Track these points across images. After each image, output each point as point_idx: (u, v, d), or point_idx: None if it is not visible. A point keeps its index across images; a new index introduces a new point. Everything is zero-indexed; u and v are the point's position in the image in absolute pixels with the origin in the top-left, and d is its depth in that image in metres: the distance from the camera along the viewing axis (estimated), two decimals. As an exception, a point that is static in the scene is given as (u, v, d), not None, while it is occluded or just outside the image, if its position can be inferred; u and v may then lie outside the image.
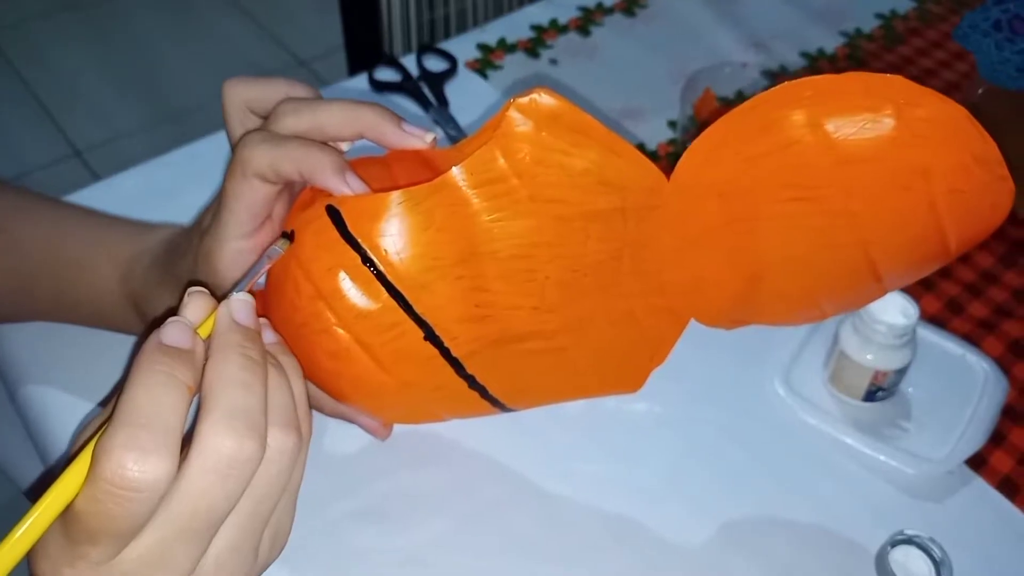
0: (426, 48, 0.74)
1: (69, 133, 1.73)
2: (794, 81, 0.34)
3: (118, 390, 0.29)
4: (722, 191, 0.36)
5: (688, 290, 0.39)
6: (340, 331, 0.35)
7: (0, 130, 1.72)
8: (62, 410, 0.49)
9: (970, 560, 0.45)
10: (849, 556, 0.45)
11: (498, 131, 0.34)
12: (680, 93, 0.66)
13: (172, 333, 0.29)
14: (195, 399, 0.29)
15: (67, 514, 0.27)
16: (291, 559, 0.42)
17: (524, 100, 0.34)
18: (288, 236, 0.36)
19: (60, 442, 0.48)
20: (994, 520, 0.47)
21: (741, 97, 0.66)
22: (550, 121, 0.34)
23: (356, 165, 0.36)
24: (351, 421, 0.44)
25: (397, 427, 0.47)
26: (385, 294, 0.34)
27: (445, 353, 0.36)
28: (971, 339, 0.55)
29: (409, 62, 0.73)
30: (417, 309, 0.34)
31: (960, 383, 0.53)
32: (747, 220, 0.36)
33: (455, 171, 0.34)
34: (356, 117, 0.36)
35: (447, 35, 1.22)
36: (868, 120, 0.33)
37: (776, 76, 0.75)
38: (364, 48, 1.27)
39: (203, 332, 0.30)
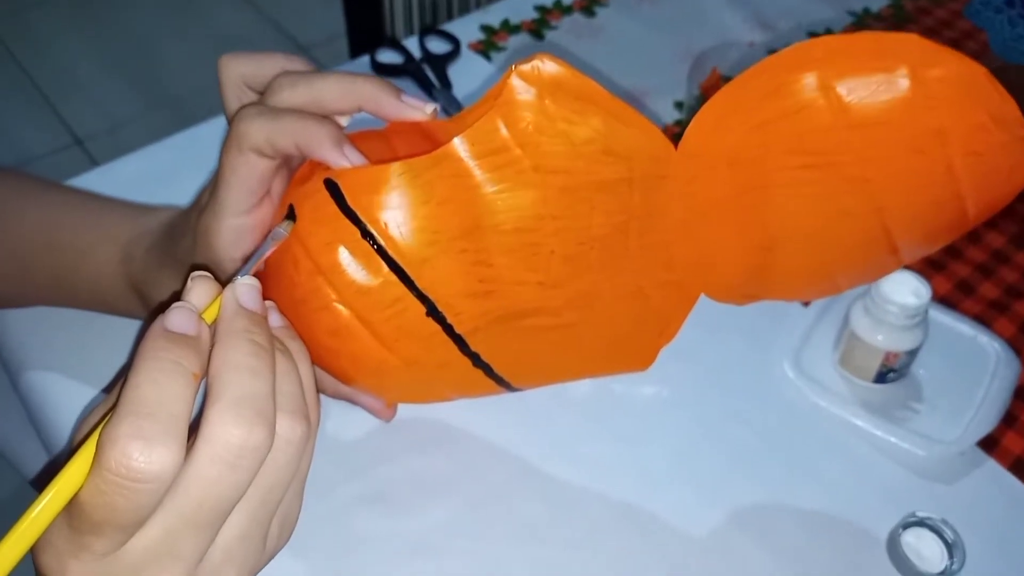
0: (428, 30, 0.74)
1: (70, 122, 1.73)
2: (804, 42, 0.33)
3: (122, 377, 0.29)
4: (731, 159, 0.35)
5: (697, 264, 0.38)
6: (340, 307, 0.34)
7: (2, 120, 1.72)
8: (64, 396, 0.48)
9: (982, 542, 0.44)
10: (860, 539, 0.45)
11: (499, 99, 0.33)
12: (687, 73, 0.65)
13: (177, 319, 0.28)
14: (202, 386, 0.28)
15: (72, 505, 0.26)
16: (295, 544, 0.42)
17: (526, 67, 0.33)
18: (291, 217, 0.35)
19: (62, 428, 0.47)
20: (1006, 501, 0.47)
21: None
22: (553, 88, 0.33)
23: (355, 139, 0.35)
24: (353, 402, 0.44)
25: (402, 412, 0.47)
26: (386, 269, 0.33)
27: (448, 330, 0.35)
28: (982, 320, 0.55)
29: (411, 44, 0.72)
30: (419, 284, 0.34)
31: (971, 364, 0.52)
32: (758, 189, 0.35)
33: (456, 142, 0.33)
34: (354, 89, 0.35)
35: (450, 16, 1.21)
36: (881, 81, 0.32)
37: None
38: (366, 30, 1.26)
39: (208, 317, 0.30)
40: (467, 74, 0.70)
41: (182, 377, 0.27)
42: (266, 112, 0.35)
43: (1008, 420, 0.50)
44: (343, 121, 0.36)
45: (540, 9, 0.78)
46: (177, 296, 0.30)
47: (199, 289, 0.30)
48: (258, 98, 0.37)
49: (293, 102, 0.35)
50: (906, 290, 0.48)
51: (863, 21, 0.79)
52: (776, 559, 0.44)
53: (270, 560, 0.31)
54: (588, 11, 0.78)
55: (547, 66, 0.33)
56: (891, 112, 0.32)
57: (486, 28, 0.75)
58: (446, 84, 0.68)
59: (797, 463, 0.48)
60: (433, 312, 0.34)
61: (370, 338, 0.34)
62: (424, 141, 0.37)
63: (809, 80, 0.33)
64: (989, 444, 0.49)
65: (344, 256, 0.33)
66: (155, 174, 0.60)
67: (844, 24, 0.79)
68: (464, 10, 1.22)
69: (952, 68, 0.32)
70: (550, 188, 0.34)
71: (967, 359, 0.52)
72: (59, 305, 0.49)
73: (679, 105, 0.69)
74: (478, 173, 0.33)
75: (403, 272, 0.33)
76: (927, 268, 0.58)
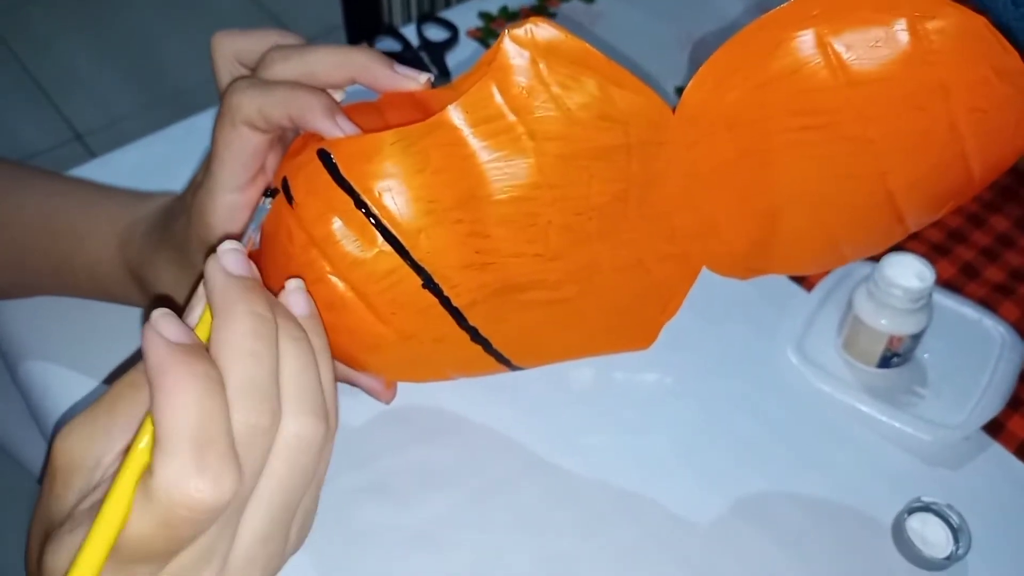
0: (427, 17, 0.73)
1: (70, 117, 1.72)
2: None
3: (121, 374, 0.28)
4: (731, 122, 0.34)
5: (699, 235, 0.37)
6: (335, 280, 0.33)
7: (2, 116, 1.72)
8: (63, 386, 0.48)
9: (988, 526, 0.44)
10: (865, 524, 0.45)
11: (493, 65, 0.32)
12: (687, 59, 0.64)
13: (171, 329, 0.27)
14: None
15: (122, 539, 0.25)
16: (299, 535, 0.42)
17: (519, 31, 0.32)
18: (270, 192, 0.34)
19: (62, 417, 0.47)
20: (1012, 485, 0.47)
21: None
22: (547, 52, 0.32)
23: (348, 111, 0.35)
24: (352, 383, 0.43)
25: (404, 402, 0.47)
26: (380, 239, 0.33)
27: (445, 302, 0.34)
28: (987, 304, 0.54)
29: (409, 32, 0.72)
30: (414, 255, 0.33)
31: (976, 348, 0.52)
32: (758, 153, 0.34)
33: (450, 110, 0.32)
34: (347, 61, 0.35)
35: (448, 4, 1.20)
36: (880, 36, 0.31)
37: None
38: (364, 20, 1.25)
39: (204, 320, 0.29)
40: (465, 62, 0.70)
41: (218, 391, 0.26)
42: (258, 84, 0.34)
43: (1013, 404, 0.49)
44: (338, 95, 0.36)
45: (539, -4, 0.77)
46: (168, 300, 0.29)
47: (204, 299, 0.29)
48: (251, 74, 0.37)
49: (286, 75, 0.35)
50: (910, 273, 0.47)
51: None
52: (780, 546, 0.44)
53: (286, 561, 0.30)
54: (587, -3, 0.77)
55: (541, 30, 0.32)
56: (890, 68, 0.32)
57: (484, 15, 0.75)
58: (444, 72, 0.68)
59: (801, 449, 0.47)
60: (429, 284, 0.34)
61: (366, 311, 0.34)
62: (418, 111, 0.36)
63: (806, 37, 0.32)
64: (994, 428, 0.48)
65: (338, 227, 0.33)
66: (153, 165, 0.60)
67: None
68: (462, -1, 1.21)
69: (952, 20, 0.31)
70: (546, 155, 0.33)
71: (972, 343, 0.52)
72: (58, 293, 0.49)
73: (679, 91, 0.68)
74: (473, 141, 0.33)
75: (398, 242, 0.33)
76: (931, 252, 0.57)
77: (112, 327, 0.49)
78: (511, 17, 0.75)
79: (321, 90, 0.34)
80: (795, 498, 0.45)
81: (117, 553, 0.25)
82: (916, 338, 0.49)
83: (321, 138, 0.34)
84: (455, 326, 0.35)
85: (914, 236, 0.58)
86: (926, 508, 0.44)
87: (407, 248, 0.33)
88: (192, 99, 1.69)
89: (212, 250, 0.30)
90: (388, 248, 0.33)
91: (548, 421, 0.48)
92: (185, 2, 1.94)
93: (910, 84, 0.32)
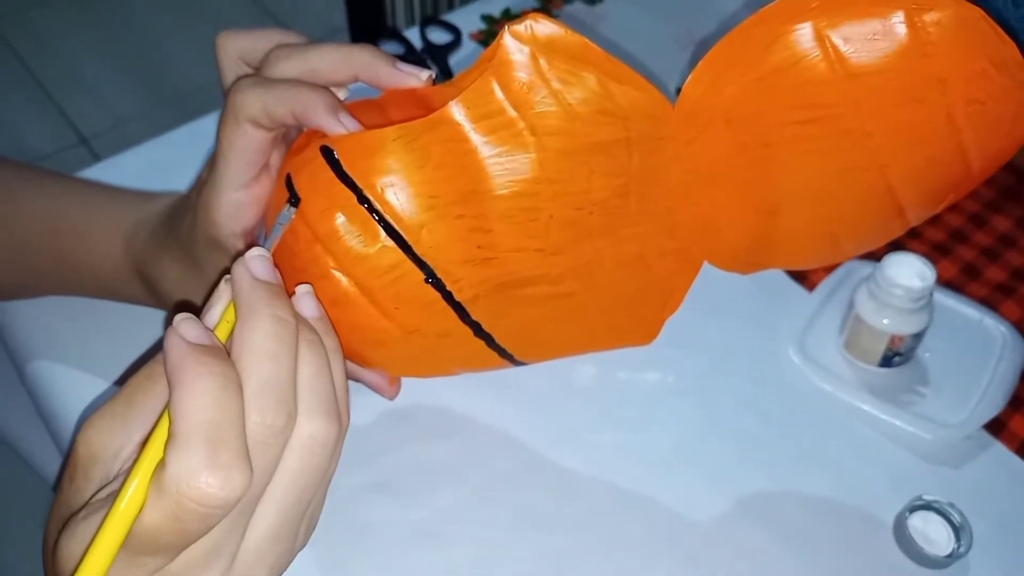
0: (430, 20, 0.73)
1: (75, 121, 1.73)
2: None
3: (135, 371, 0.29)
4: (730, 116, 0.34)
5: (700, 230, 0.37)
6: (339, 275, 0.33)
7: (7, 119, 1.72)
8: (70, 386, 0.48)
9: (989, 524, 0.44)
10: (867, 523, 0.45)
11: (493, 60, 0.33)
12: (689, 59, 0.65)
13: (192, 331, 0.28)
14: None
15: (133, 530, 0.26)
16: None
17: (519, 27, 0.33)
18: (295, 201, 0.34)
19: (69, 418, 0.47)
20: (1013, 484, 0.47)
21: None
22: (547, 48, 0.33)
23: (350, 108, 0.35)
24: (356, 379, 0.43)
25: (408, 400, 0.47)
26: (383, 234, 0.33)
27: (448, 297, 0.34)
28: (989, 303, 0.54)
29: (412, 35, 0.72)
30: (416, 249, 0.33)
31: (978, 347, 0.52)
32: (758, 147, 0.35)
33: (451, 106, 0.33)
34: (349, 58, 0.35)
35: (451, 7, 1.21)
36: (877, 28, 0.32)
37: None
38: (367, 23, 1.25)
39: (230, 312, 0.30)
40: (469, 65, 0.70)
41: (235, 391, 0.27)
42: (261, 83, 0.34)
43: (1014, 403, 0.49)
44: (341, 93, 0.36)
45: (541, -2, 0.77)
46: (190, 306, 0.30)
47: (224, 298, 0.30)
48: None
49: (288, 73, 0.35)
50: (911, 273, 0.48)
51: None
52: (782, 544, 0.44)
53: (293, 559, 0.31)
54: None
55: (540, 26, 0.33)
56: (888, 60, 0.32)
57: (487, 18, 0.75)
58: (447, 75, 0.68)
59: (803, 448, 0.47)
60: (431, 278, 0.34)
61: (369, 306, 0.34)
62: (419, 108, 0.37)
63: (804, 31, 0.32)
64: (996, 427, 0.49)
65: (341, 222, 0.33)
66: (158, 168, 0.60)
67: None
68: (465, 0, 1.21)
69: (949, 12, 0.31)
70: (547, 151, 0.33)
71: (973, 342, 0.52)
72: (64, 293, 0.49)
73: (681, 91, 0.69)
74: (474, 137, 0.33)
75: (400, 237, 0.33)
76: (933, 252, 0.57)
77: (118, 327, 0.49)
78: (514, 20, 0.75)
79: (324, 87, 0.35)
80: (797, 496, 0.46)
81: (127, 543, 0.26)
82: (917, 337, 0.49)
83: (324, 135, 0.34)
84: (458, 321, 0.35)
85: (915, 236, 0.58)
86: (928, 506, 0.44)
87: (409, 243, 0.33)
88: (197, 101, 1.69)
89: (239, 255, 0.31)
90: (391, 243, 0.33)
91: (551, 419, 0.48)
92: (189, 5, 1.95)
93: (908, 76, 0.32)
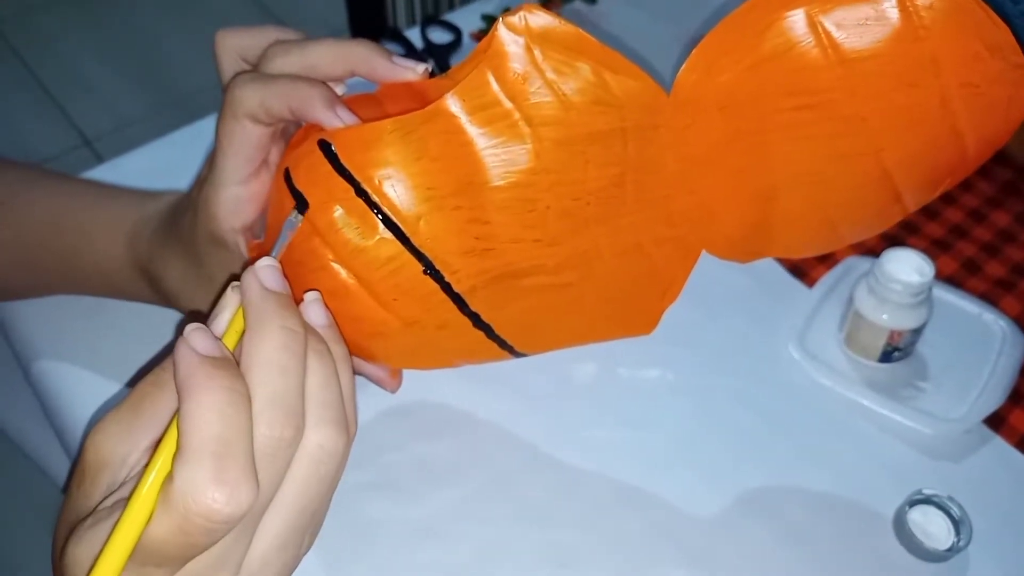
0: (430, 20, 0.74)
1: (78, 123, 1.74)
2: None
3: (144, 375, 0.29)
4: (724, 104, 0.34)
5: (697, 217, 0.37)
6: (337, 267, 0.34)
7: (10, 121, 1.73)
8: (76, 385, 0.49)
9: (989, 519, 0.44)
10: (867, 517, 0.45)
11: (488, 52, 0.33)
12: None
13: (202, 342, 0.28)
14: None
15: (140, 542, 0.26)
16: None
17: (513, 18, 0.33)
18: (302, 208, 0.35)
19: (75, 417, 0.48)
20: (1013, 478, 0.47)
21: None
22: (541, 38, 0.33)
23: (348, 103, 0.35)
24: (357, 373, 0.43)
25: (408, 398, 0.47)
26: (381, 226, 0.33)
27: (446, 288, 0.35)
28: (988, 298, 0.55)
29: (413, 35, 0.72)
30: (414, 241, 0.33)
31: (977, 342, 0.52)
32: (753, 134, 0.35)
33: (447, 98, 0.33)
34: (346, 53, 0.35)
35: (451, 7, 1.21)
36: (869, 13, 0.32)
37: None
38: (368, 23, 1.26)
39: (238, 320, 0.30)
40: (469, 64, 0.70)
41: (244, 406, 0.27)
42: (259, 78, 0.35)
43: (1014, 398, 0.49)
44: (339, 88, 0.37)
45: (541, -3, 0.78)
46: (201, 315, 0.30)
47: (231, 306, 0.30)
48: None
49: (286, 69, 0.35)
50: (910, 268, 0.48)
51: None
52: (782, 539, 0.44)
53: (297, 566, 0.31)
54: (589, -2, 0.78)
55: (535, 17, 0.33)
56: (881, 45, 0.32)
57: (488, 18, 0.75)
58: (448, 74, 0.69)
59: (803, 444, 0.48)
60: (430, 269, 0.34)
61: (368, 298, 0.34)
62: (416, 101, 0.37)
63: (797, 17, 0.32)
64: (995, 422, 0.49)
65: (339, 215, 0.33)
66: (161, 169, 0.60)
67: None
68: (465, 0, 1.22)
69: None
70: (543, 141, 0.34)
71: (973, 337, 0.52)
72: (69, 292, 0.50)
73: (681, 90, 0.69)
74: (470, 128, 0.33)
75: (398, 228, 0.33)
76: (933, 247, 0.58)
77: (123, 325, 0.49)
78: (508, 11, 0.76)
79: (321, 82, 0.35)
80: (797, 492, 0.46)
81: (134, 554, 0.26)
82: (917, 332, 0.49)
83: (322, 129, 0.34)
84: (457, 312, 0.36)
85: (915, 231, 0.59)
86: (927, 500, 0.44)
87: (407, 235, 0.33)
88: (199, 103, 1.70)
89: (248, 264, 0.31)
90: (389, 235, 0.33)
91: (551, 416, 0.48)
92: (191, 7, 1.95)
93: (901, 61, 0.32)
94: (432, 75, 0.37)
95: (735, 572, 0.43)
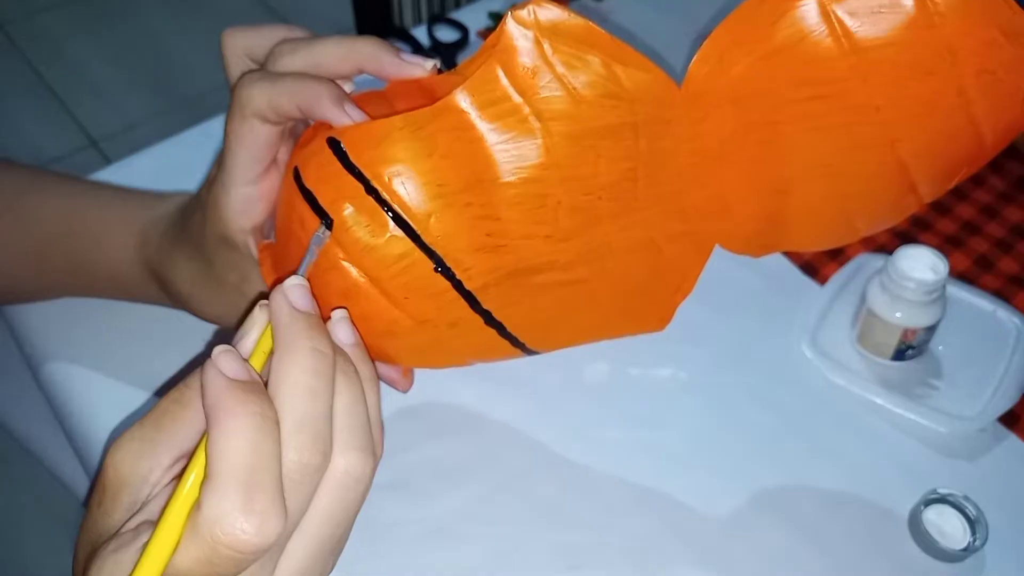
0: (437, 18, 0.73)
1: (85, 123, 1.74)
2: None
3: (174, 385, 0.29)
4: (736, 96, 0.34)
5: (710, 211, 0.37)
6: (348, 266, 0.33)
7: (17, 123, 1.73)
8: (86, 386, 0.49)
9: (1005, 517, 0.44)
10: (882, 516, 0.45)
11: (497, 47, 0.33)
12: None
13: (231, 366, 0.28)
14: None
15: (166, 571, 0.26)
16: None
17: (522, 12, 0.32)
18: (328, 224, 0.34)
19: (85, 418, 0.48)
20: (1029, 477, 0.47)
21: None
22: (551, 32, 0.33)
23: (356, 100, 0.35)
24: None
25: (420, 399, 0.47)
26: (391, 224, 0.33)
27: (458, 286, 0.34)
28: (1002, 295, 0.54)
29: (420, 33, 0.72)
30: (425, 238, 0.33)
31: (991, 339, 0.51)
32: (766, 126, 0.34)
33: (457, 93, 0.33)
34: (353, 51, 0.35)
35: (458, 5, 1.21)
36: (884, 2, 0.31)
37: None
38: (374, 22, 1.26)
39: (266, 339, 0.30)
40: (476, 62, 0.70)
41: (272, 432, 0.27)
42: (266, 76, 0.35)
43: (1030, 395, 0.49)
44: (347, 86, 0.36)
45: (548, -5, 0.77)
46: (229, 335, 0.30)
47: (259, 325, 0.30)
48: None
49: (293, 67, 0.35)
50: (923, 266, 0.47)
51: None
52: (797, 539, 0.44)
53: None
54: (596, -4, 0.77)
55: (544, 10, 0.33)
56: (896, 33, 0.32)
57: (495, 15, 0.75)
58: (456, 73, 0.68)
59: (816, 443, 0.47)
60: (441, 267, 0.34)
61: (379, 297, 0.34)
62: (425, 98, 0.37)
63: (809, 7, 0.32)
64: (1010, 420, 0.48)
65: (349, 213, 0.33)
66: (170, 170, 0.60)
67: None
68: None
69: None
70: (553, 136, 0.33)
71: (986, 335, 0.52)
72: (79, 295, 0.49)
73: (690, 87, 0.68)
74: (480, 124, 0.33)
75: (408, 226, 0.33)
76: (945, 244, 0.57)
77: (134, 328, 0.49)
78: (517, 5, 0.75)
79: (329, 79, 0.35)
80: (811, 491, 0.46)
81: None
82: (930, 330, 0.49)
83: (331, 127, 0.34)
84: (469, 310, 0.35)
85: (927, 228, 0.58)
86: (943, 500, 0.44)
87: (418, 232, 0.33)
88: (207, 104, 1.70)
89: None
90: (399, 233, 0.33)
91: (563, 416, 0.48)
92: (198, 8, 1.96)
93: (916, 49, 0.32)
94: (440, 71, 0.36)
95: (749, 572, 0.43)
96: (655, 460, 0.46)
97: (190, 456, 0.28)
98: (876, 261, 0.54)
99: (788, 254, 0.56)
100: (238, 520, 0.25)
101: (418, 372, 0.42)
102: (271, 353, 0.29)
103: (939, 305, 0.48)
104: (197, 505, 0.26)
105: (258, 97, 0.34)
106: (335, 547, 0.30)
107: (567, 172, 0.34)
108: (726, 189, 0.36)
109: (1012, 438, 0.48)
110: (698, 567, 0.43)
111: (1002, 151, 0.64)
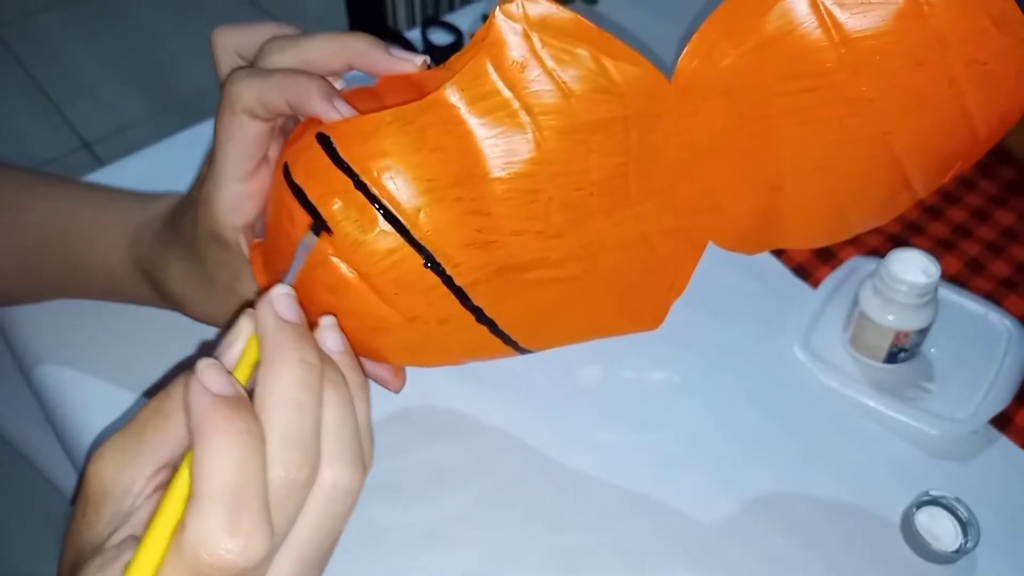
0: (430, 21, 0.73)
1: (77, 125, 1.73)
2: None
3: (160, 389, 0.28)
4: (727, 89, 0.34)
5: (703, 207, 0.37)
6: (337, 261, 0.33)
7: (9, 124, 1.73)
8: (78, 388, 0.49)
9: (997, 519, 0.44)
10: (874, 519, 0.45)
11: (486, 41, 0.32)
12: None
13: (216, 382, 0.27)
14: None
15: None
16: (311, 535, 0.42)
17: (511, 6, 0.32)
18: (317, 231, 0.34)
19: (77, 421, 0.48)
20: (1020, 479, 0.47)
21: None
22: (540, 26, 0.32)
23: (346, 97, 0.35)
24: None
25: (414, 402, 0.47)
26: (380, 219, 0.33)
27: (448, 282, 0.34)
28: (993, 298, 0.54)
29: (413, 36, 0.72)
30: (414, 233, 0.33)
31: (983, 342, 0.52)
32: (757, 120, 0.34)
33: (446, 88, 0.33)
34: (343, 47, 0.35)
35: (451, 7, 1.21)
36: None
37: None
38: (368, 25, 1.26)
39: (252, 349, 0.29)
40: (470, 65, 0.70)
41: (258, 448, 0.26)
42: (255, 73, 0.34)
43: (1021, 398, 0.49)
44: (337, 84, 0.36)
45: (542, -2, 0.77)
46: (212, 347, 0.29)
47: (244, 335, 0.30)
48: None
49: (283, 64, 0.35)
50: (915, 269, 0.48)
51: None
52: (790, 540, 0.44)
53: None
54: (590, -1, 0.78)
55: (532, 4, 0.32)
56: (885, 24, 0.32)
57: (488, 18, 0.75)
58: (449, 75, 0.68)
59: (809, 445, 0.47)
60: (431, 262, 0.34)
61: (369, 292, 0.34)
62: (415, 93, 0.36)
63: None
64: (1002, 422, 0.49)
65: (338, 208, 0.33)
66: (162, 173, 0.60)
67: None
68: (466, 1, 1.21)
69: None
70: (543, 130, 0.33)
71: (978, 338, 0.52)
72: (72, 296, 0.49)
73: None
74: (470, 119, 0.33)
75: (398, 221, 0.33)
76: (936, 247, 0.57)
77: (125, 329, 0.49)
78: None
79: (318, 75, 0.35)
80: (804, 493, 0.46)
81: None
82: (922, 333, 0.49)
83: (320, 123, 0.34)
84: (459, 306, 0.35)
85: (919, 231, 0.58)
86: (934, 502, 0.44)
87: (407, 227, 0.33)
88: (199, 106, 1.70)
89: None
90: (389, 228, 0.33)
91: (557, 419, 0.48)
92: (191, 10, 1.95)
93: (906, 40, 0.32)
94: (429, 67, 0.36)
95: (742, 574, 0.43)
96: (649, 462, 0.46)
97: (173, 466, 0.28)
98: (868, 264, 0.55)
99: (781, 257, 0.56)
100: (223, 540, 0.25)
101: (411, 374, 0.42)
102: (257, 364, 0.29)
103: (931, 308, 0.49)
104: (181, 525, 0.25)
105: (247, 93, 0.34)
106: (323, 559, 0.29)
107: (558, 167, 0.34)
108: (718, 184, 0.36)
109: (1003, 440, 0.48)
110: (692, 569, 0.43)
111: (993, 155, 0.64)
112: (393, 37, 0.73)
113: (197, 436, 0.26)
